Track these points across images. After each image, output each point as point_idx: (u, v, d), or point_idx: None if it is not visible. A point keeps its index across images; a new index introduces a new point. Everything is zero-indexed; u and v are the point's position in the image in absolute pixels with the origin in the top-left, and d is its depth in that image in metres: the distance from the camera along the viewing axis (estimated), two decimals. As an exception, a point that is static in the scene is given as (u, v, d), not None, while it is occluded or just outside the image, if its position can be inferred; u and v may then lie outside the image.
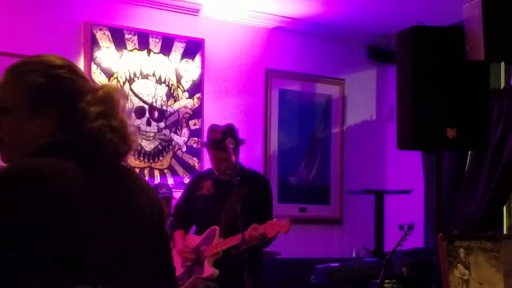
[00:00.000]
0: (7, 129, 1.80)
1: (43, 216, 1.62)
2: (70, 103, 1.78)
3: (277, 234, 4.24)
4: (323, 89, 6.49)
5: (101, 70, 5.42)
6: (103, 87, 1.84)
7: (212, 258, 4.35)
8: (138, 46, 5.60)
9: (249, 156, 6.01)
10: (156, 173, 5.67)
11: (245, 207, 4.23)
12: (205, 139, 4.82)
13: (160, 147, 5.71)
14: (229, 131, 4.47)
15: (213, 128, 4.59)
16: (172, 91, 5.75)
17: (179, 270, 4.45)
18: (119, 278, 1.74)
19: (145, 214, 1.85)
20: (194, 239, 4.54)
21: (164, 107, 5.72)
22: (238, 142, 4.46)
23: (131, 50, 5.58)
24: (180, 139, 5.80)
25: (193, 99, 5.84)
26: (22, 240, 1.61)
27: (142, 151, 5.60)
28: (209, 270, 4.32)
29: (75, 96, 1.79)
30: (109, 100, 1.80)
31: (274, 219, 4.30)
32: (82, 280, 1.64)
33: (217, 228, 4.40)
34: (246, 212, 4.25)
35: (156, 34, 5.68)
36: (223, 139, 4.37)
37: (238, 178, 4.19)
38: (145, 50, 5.64)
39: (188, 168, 5.81)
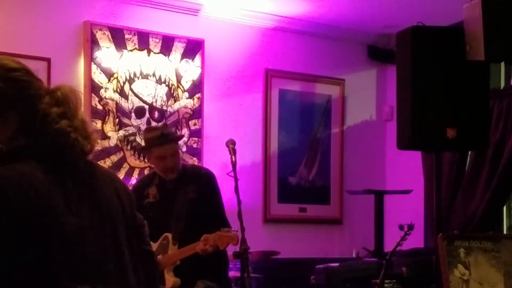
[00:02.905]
0: None
1: (8, 224, 1.63)
2: (30, 105, 1.78)
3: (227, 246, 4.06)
4: (323, 89, 6.49)
5: (101, 70, 5.42)
6: (59, 88, 1.84)
7: (171, 267, 4.16)
8: (138, 46, 5.60)
9: (249, 156, 6.02)
10: (156, 173, 5.66)
11: (193, 211, 4.19)
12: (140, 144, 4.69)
13: (160, 147, 5.70)
14: (166, 126, 4.62)
15: (149, 129, 4.68)
16: (172, 91, 5.75)
17: None
18: (103, 274, 1.75)
19: (115, 205, 1.88)
20: None
21: (164, 107, 5.72)
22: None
23: (131, 50, 5.57)
24: (180, 139, 5.79)
25: (193, 99, 5.84)
26: None
27: (142, 151, 5.59)
28: (170, 280, 4.13)
29: (34, 98, 1.79)
30: (68, 101, 1.82)
31: (225, 229, 4.05)
32: (58, 283, 1.65)
33: (169, 235, 4.21)
34: (195, 215, 4.20)
35: (156, 34, 5.67)
36: (167, 133, 4.31)
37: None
38: (145, 50, 5.63)
39: (188, 168, 5.80)
